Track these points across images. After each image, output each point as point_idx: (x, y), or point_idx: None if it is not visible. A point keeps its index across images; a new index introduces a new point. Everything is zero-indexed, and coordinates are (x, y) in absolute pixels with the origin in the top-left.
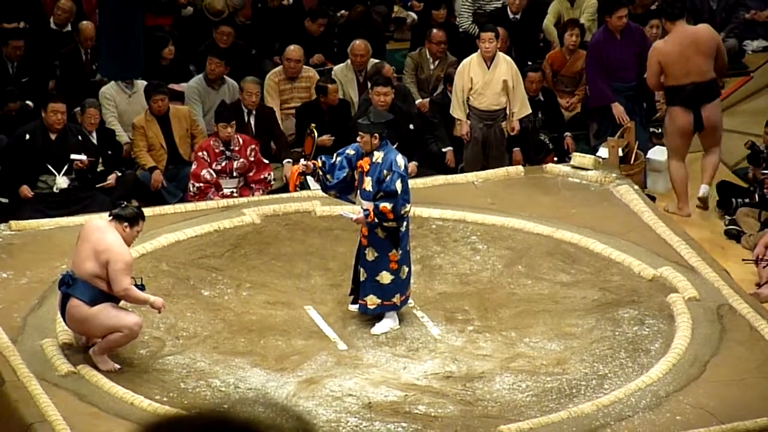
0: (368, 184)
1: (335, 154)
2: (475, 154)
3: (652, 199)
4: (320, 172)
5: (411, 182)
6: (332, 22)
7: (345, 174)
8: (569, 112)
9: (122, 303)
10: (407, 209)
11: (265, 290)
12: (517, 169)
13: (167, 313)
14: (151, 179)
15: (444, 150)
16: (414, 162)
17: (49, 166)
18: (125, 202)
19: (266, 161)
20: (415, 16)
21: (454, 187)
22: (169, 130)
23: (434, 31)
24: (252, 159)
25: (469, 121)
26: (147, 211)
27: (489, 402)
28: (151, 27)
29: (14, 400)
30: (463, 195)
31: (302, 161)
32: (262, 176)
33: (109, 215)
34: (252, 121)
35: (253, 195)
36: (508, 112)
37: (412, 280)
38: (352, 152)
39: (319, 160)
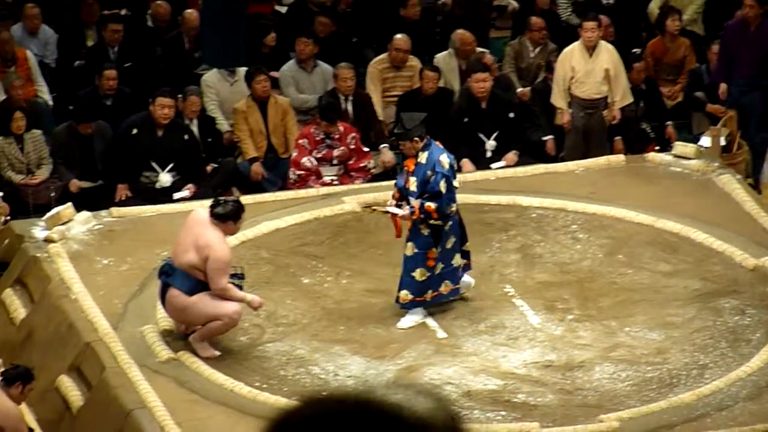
0: (413, 184)
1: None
2: (576, 142)
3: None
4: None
5: (511, 170)
6: (435, 9)
7: None
8: (671, 101)
9: None
10: (453, 208)
11: (365, 278)
12: (618, 158)
13: (267, 300)
14: (252, 171)
15: (544, 138)
16: (514, 150)
17: (153, 164)
18: (223, 196)
19: (366, 149)
20: (516, 4)
21: (555, 175)
22: (267, 118)
23: (534, 18)
24: (352, 147)
25: (570, 110)
26: (247, 199)
27: (588, 391)
28: (253, 15)
29: (114, 386)
30: (564, 184)
31: (389, 207)
32: (361, 164)
33: (210, 213)
34: (349, 108)
35: (353, 183)
36: (609, 100)
37: (465, 273)
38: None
39: (395, 188)
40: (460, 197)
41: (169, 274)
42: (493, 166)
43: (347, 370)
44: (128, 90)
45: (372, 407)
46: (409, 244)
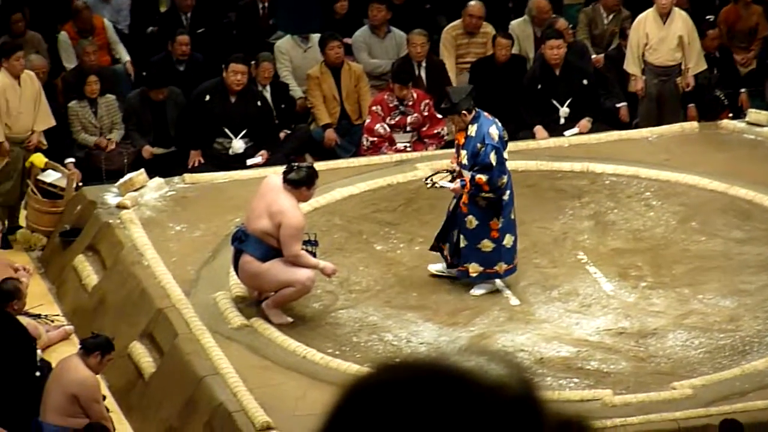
0: (464, 157)
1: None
2: (650, 109)
3: None
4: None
5: (585, 137)
6: None
7: None
8: (744, 68)
9: None
10: (503, 180)
11: None
12: (692, 125)
13: (340, 267)
14: (325, 137)
15: (618, 105)
16: (588, 117)
17: (226, 130)
18: (297, 163)
19: (440, 116)
20: None
21: (628, 142)
22: (340, 84)
23: None
24: (426, 114)
25: (643, 77)
26: (320, 165)
27: (661, 358)
28: None
29: (187, 352)
30: (637, 151)
31: (443, 183)
32: (435, 131)
33: (283, 179)
34: (423, 75)
35: (426, 150)
36: (683, 67)
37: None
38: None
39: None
40: (533, 164)
41: (242, 240)
42: (567, 133)
43: (420, 336)
44: (201, 56)
45: (445, 373)
46: (469, 217)
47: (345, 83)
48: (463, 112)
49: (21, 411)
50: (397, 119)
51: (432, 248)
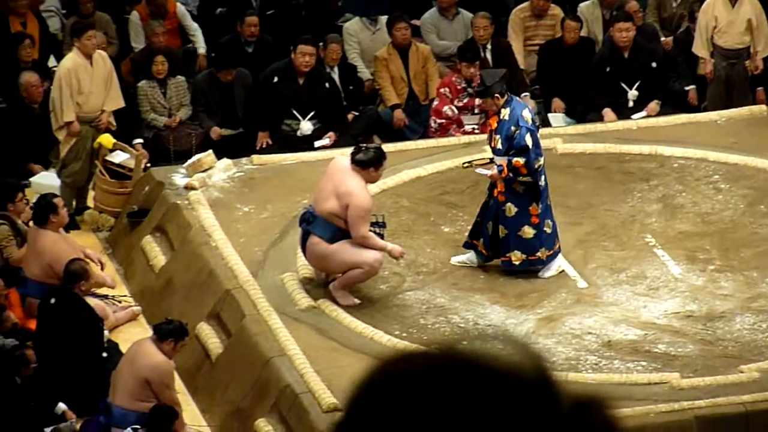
0: (498, 142)
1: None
2: (718, 92)
3: None
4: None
5: (653, 120)
6: None
7: None
8: None
9: None
10: (540, 162)
11: None
12: (761, 109)
13: (407, 249)
14: (394, 117)
15: (687, 88)
16: (656, 100)
17: (295, 112)
18: (365, 143)
19: None
20: None
21: (697, 125)
22: (408, 65)
23: None
24: None
25: (712, 60)
26: (389, 147)
27: (729, 342)
28: None
29: (254, 333)
30: (706, 134)
31: (480, 170)
32: None
33: (351, 160)
34: (488, 57)
35: None
36: (751, 50)
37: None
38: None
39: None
40: (602, 147)
41: (309, 221)
42: (635, 116)
43: (487, 319)
44: (270, 38)
45: (460, 360)
46: (508, 204)
47: (413, 64)
48: (496, 95)
49: (88, 392)
50: (465, 101)
51: (465, 245)
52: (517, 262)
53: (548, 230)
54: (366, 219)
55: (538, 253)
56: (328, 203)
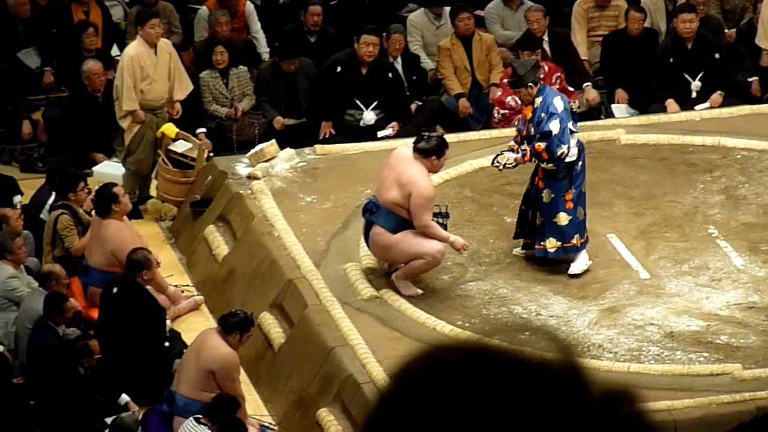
0: (531, 129)
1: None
2: None
3: None
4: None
5: (716, 111)
6: None
7: None
8: None
9: None
10: (563, 150)
11: None
12: None
13: (470, 239)
14: (459, 106)
15: (750, 80)
16: (719, 92)
17: (358, 102)
18: (428, 132)
19: (571, 89)
20: None
21: (760, 117)
22: (471, 54)
23: None
24: (557, 86)
25: None
26: (452, 137)
27: None
28: None
29: (317, 323)
30: None
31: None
32: None
33: (413, 149)
34: (547, 48)
35: None
36: None
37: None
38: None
39: (517, 132)
40: (665, 138)
41: (373, 211)
42: (698, 107)
43: (549, 309)
44: (333, 30)
45: (488, 353)
46: (545, 191)
47: (476, 53)
48: (529, 84)
49: (150, 381)
50: None
51: (516, 236)
52: (552, 250)
53: (580, 217)
54: (428, 208)
55: (573, 240)
56: (390, 193)
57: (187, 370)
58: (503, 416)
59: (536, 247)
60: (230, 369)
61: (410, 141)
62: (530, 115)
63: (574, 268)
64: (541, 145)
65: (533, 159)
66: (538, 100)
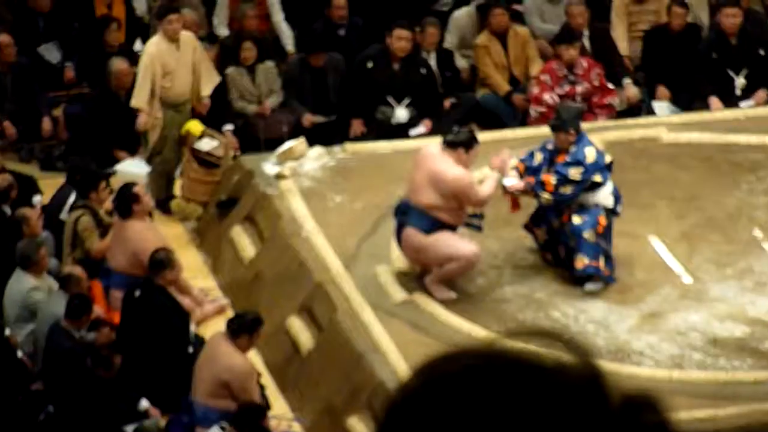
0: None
1: (536, 151)
2: None
3: None
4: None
5: (762, 110)
6: None
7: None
8: None
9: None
10: (568, 192)
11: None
12: None
13: (506, 241)
14: (515, 103)
15: None
16: (765, 89)
17: (389, 98)
18: (459, 127)
19: (611, 86)
20: None
21: None
22: (507, 50)
23: None
24: (596, 84)
25: None
26: (485, 136)
27: None
28: None
29: (347, 328)
30: None
31: (510, 181)
32: (606, 101)
33: (443, 142)
34: (586, 44)
35: (596, 120)
36: None
37: None
38: (550, 147)
39: (520, 163)
40: (708, 136)
41: (405, 212)
42: (743, 104)
43: (588, 314)
44: (360, 20)
45: (502, 359)
46: (576, 215)
47: (512, 49)
48: (570, 131)
49: (173, 388)
50: (566, 89)
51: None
52: (579, 267)
53: (605, 247)
54: (471, 187)
55: (600, 263)
56: (423, 195)
57: (201, 380)
58: (517, 423)
59: (576, 267)
60: (244, 380)
61: (439, 139)
62: (561, 162)
63: (591, 285)
64: (551, 179)
65: (535, 187)
66: (573, 148)
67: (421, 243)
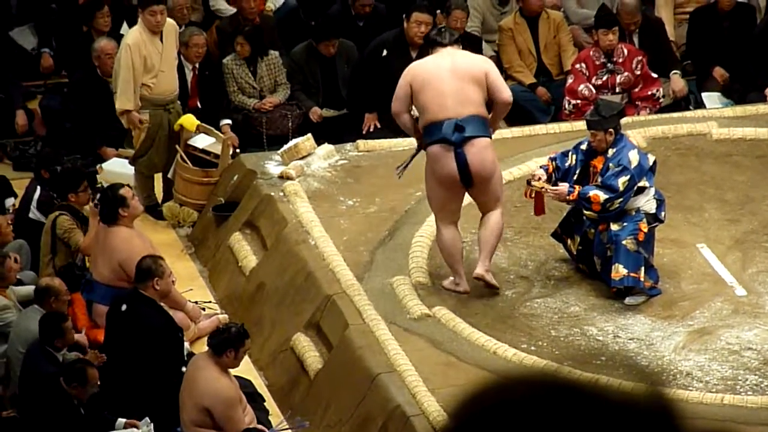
0: (598, 181)
1: (571, 152)
2: None
3: None
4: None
5: None
6: None
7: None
8: None
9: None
10: (616, 205)
11: None
12: None
13: (537, 248)
14: (538, 96)
15: None
16: None
17: None
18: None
19: (655, 75)
20: None
21: None
22: (537, 36)
23: None
24: (638, 73)
25: None
26: (515, 132)
27: None
28: None
29: (359, 346)
30: None
31: (537, 181)
32: (649, 92)
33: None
34: (635, 38)
35: (638, 114)
36: None
37: None
38: (584, 147)
39: (550, 161)
40: (764, 132)
41: (462, 129)
42: None
43: (629, 331)
44: (383, 7)
45: (563, 386)
46: (613, 223)
47: (543, 34)
48: (610, 130)
49: (165, 411)
50: (604, 79)
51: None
52: (617, 278)
53: (648, 257)
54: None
55: (640, 274)
56: (469, 101)
57: (185, 409)
58: None
59: (613, 278)
60: (226, 406)
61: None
62: (600, 166)
63: (632, 299)
64: (599, 196)
65: (578, 204)
66: (613, 150)
67: (495, 158)
